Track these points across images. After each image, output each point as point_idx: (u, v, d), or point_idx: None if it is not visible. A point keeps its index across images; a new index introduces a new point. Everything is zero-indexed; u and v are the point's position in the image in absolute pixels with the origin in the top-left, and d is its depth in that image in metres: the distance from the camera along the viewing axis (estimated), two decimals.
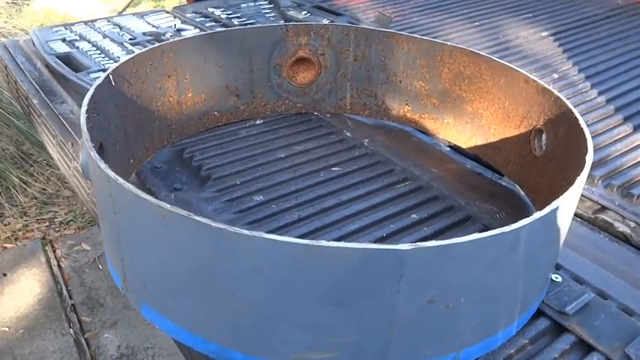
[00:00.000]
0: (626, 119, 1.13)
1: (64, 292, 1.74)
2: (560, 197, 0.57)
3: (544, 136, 0.84)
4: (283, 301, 0.52)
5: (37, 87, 1.14)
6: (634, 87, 1.26)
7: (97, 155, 0.59)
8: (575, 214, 0.90)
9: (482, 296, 0.56)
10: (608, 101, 1.20)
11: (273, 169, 0.93)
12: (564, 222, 0.62)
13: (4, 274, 1.78)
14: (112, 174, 0.56)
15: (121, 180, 0.55)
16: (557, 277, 0.72)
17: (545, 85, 0.82)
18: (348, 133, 1.05)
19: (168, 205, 0.52)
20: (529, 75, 0.85)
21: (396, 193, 0.89)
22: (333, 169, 0.94)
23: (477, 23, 1.59)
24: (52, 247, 1.92)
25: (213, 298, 0.55)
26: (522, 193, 0.90)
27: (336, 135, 1.04)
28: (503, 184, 0.94)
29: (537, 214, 0.54)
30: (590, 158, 0.64)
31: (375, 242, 0.78)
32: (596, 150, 1.02)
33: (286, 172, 0.93)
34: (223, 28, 1.42)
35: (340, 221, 0.82)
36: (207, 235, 0.50)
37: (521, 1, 1.74)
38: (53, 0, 3.87)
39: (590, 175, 0.95)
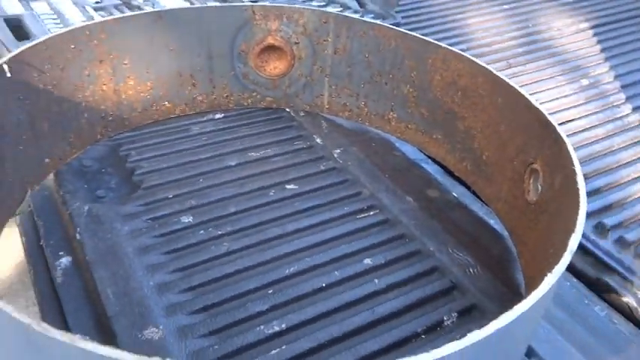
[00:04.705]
0: None
1: None
2: (521, 303, 0.42)
3: (540, 179, 0.67)
4: None
5: None
6: None
7: None
8: (573, 272, 0.73)
9: None
10: None
11: (217, 182, 0.79)
12: (529, 326, 0.47)
13: None
14: None
15: None
16: None
17: (549, 118, 0.64)
18: (318, 140, 0.89)
19: None
20: (532, 100, 0.67)
21: (354, 226, 0.74)
22: (288, 186, 0.79)
23: (506, 7, 1.37)
24: None
25: None
26: (510, 240, 0.74)
27: (303, 141, 0.89)
28: (491, 222, 0.78)
29: (479, 333, 0.38)
30: (575, 241, 0.48)
31: (310, 293, 0.64)
32: (614, 187, 0.85)
33: (231, 186, 0.79)
34: None
35: (275, 260, 0.68)
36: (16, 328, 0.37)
37: None
38: None
39: (600, 224, 0.77)
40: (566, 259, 0.45)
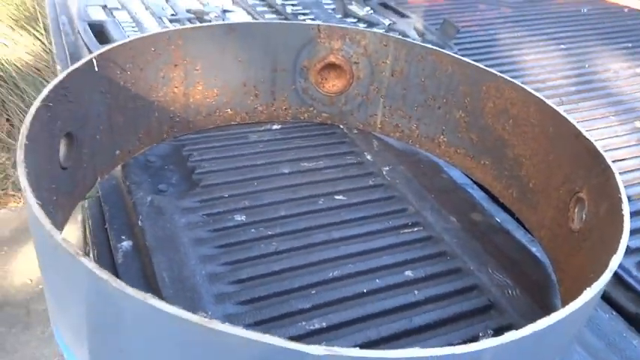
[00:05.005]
0: None
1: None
2: (558, 311, 0.44)
3: (585, 207, 0.68)
4: None
5: (67, 54, 1.11)
6: None
7: (25, 172, 0.51)
8: (613, 305, 0.74)
9: None
10: None
11: (270, 186, 0.83)
12: (564, 338, 0.48)
13: None
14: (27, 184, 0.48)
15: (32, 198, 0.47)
16: None
17: (598, 148, 0.66)
18: (369, 157, 0.93)
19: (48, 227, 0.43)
20: (582, 130, 0.69)
21: (398, 239, 0.76)
22: (337, 197, 0.83)
23: (562, 46, 1.39)
24: None
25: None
26: (551, 267, 0.75)
27: (354, 156, 0.93)
28: (533, 250, 0.79)
29: (510, 336, 0.40)
30: (616, 262, 0.49)
31: (351, 296, 0.67)
32: None
33: (283, 191, 0.83)
34: (274, 16, 1.33)
35: (320, 263, 0.71)
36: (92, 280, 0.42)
37: (623, 27, 1.52)
38: None
39: None
40: (606, 276, 0.47)
